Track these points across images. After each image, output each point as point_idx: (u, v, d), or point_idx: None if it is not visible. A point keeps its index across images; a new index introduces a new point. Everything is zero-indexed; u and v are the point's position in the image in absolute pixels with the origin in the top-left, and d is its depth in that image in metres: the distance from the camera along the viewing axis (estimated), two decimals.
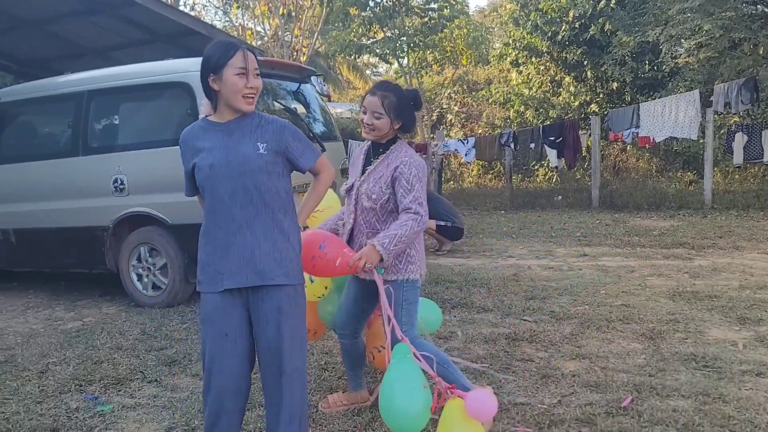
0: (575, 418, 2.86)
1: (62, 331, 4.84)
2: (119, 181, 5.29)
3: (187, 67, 5.24)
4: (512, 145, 11.86)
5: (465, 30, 16.37)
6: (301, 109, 6.08)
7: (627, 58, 12.91)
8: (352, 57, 17.42)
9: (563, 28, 13.74)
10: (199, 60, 5.41)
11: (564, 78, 15.27)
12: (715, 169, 11.95)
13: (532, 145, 11.64)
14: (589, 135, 11.65)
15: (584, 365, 3.54)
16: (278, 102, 5.88)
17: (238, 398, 2.30)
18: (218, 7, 22.33)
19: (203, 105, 2.40)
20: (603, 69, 13.66)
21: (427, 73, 18.33)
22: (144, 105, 5.60)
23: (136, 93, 5.52)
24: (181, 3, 19.92)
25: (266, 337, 2.24)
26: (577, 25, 13.60)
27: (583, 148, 12.19)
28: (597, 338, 4.01)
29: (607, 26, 12.64)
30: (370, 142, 2.84)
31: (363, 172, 2.81)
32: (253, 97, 2.26)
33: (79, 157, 5.52)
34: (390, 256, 2.55)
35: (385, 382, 2.42)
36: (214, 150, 2.25)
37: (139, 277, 5.45)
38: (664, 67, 12.74)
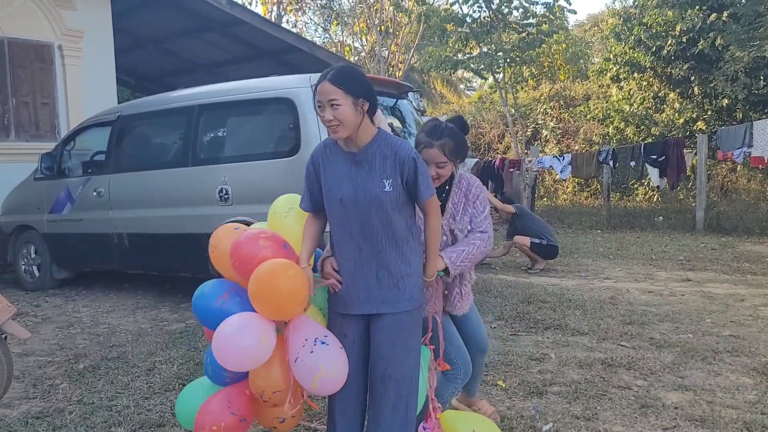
0: None
1: (167, 331, 5.13)
2: (224, 191, 5.55)
3: (290, 84, 5.45)
4: (611, 163, 11.46)
5: (564, 45, 16.04)
6: (397, 124, 6.16)
7: (740, 73, 12.18)
8: (447, 72, 17.46)
9: (669, 42, 13.16)
10: (301, 76, 5.62)
11: (668, 94, 14.60)
12: None
13: (633, 163, 11.21)
14: (695, 154, 11.06)
15: (688, 398, 3.35)
16: None
17: (351, 398, 2.34)
18: (318, 24, 23.10)
19: None
20: (712, 85, 12.95)
21: (522, 88, 18.07)
22: (249, 119, 5.86)
23: (242, 108, 5.79)
24: (284, 20, 20.77)
25: (377, 344, 2.29)
26: (684, 40, 12.98)
27: (688, 168, 11.59)
28: (702, 369, 3.79)
29: (718, 40, 11.99)
30: None
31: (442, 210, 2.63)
32: (334, 128, 2.21)
33: (188, 168, 5.85)
34: (455, 270, 2.52)
35: None
36: (342, 183, 2.28)
37: None
38: None
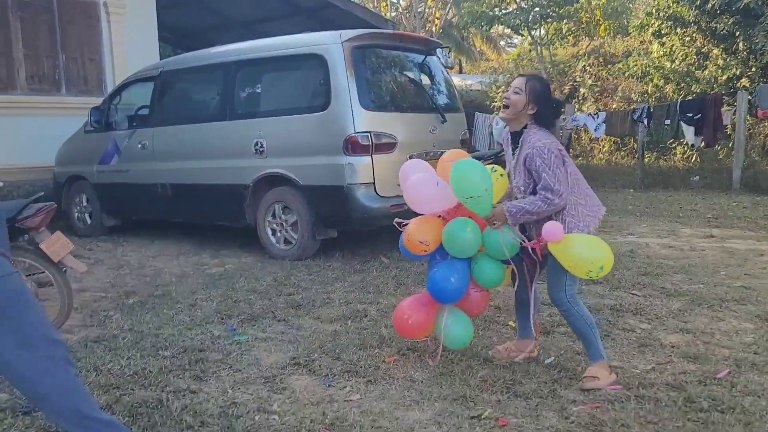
0: (666, 383, 2.96)
1: (208, 274, 5.53)
2: (259, 144, 5.86)
3: (321, 41, 5.68)
4: (645, 121, 11.36)
5: (604, 0, 15.67)
6: (425, 80, 6.34)
7: None
8: (484, 28, 17.30)
9: None
10: (332, 33, 5.81)
11: (712, 50, 14.22)
12: None
13: (668, 122, 11.09)
14: (734, 112, 10.88)
15: (686, 339, 3.57)
16: (404, 74, 6.18)
17: None
18: None
19: None
20: (757, 40, 12.58)
21: (561, 44, 17.75)
22: (282, 75, 6.12)
23: (275, 64, 6.05)
24: None
25: None
26: None
27: (729, 126, 11.41)
28: (706, 316, 3.99)
29: None
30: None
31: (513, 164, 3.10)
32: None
33: (226, 122, 6.17)
34: (514, 221, 2.98)
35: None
36: None
37: (273, 231, 6.03)
38: None
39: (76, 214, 7.61)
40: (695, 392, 2.84)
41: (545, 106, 2.99)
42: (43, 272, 3.86)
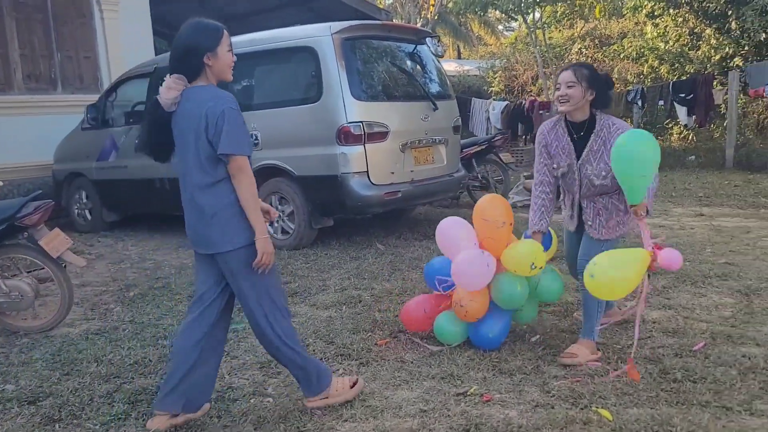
0: (644, 357, 3.08)
1: None
2: (254, 137, 5.96)
3: (312, 33, 5.77)
4: (639, 102, 11.43)
5: None
6: (416, 69, 6.42)
7: None
8: (478, 13, 17.29)
9: None
10: (322, 25, 5.88)
11: (704, 30, 14.23)
12: None
13: (661, 102, 11.16)
14: (725, 92, 10.94)
15: (668, 315, 3.69)
16: (394, 63, 6.26)
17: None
18: None
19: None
20: (748, 20, 12.60)
21: (557, 27, 17.73)
22: (275, 68, 6.21)
23: (267, 57, 6.13)
24: None
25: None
26: None
27: (721, 106, 11.46)
28: (689, 292, 4.10)
29: None
30: (562, 121, 3.12)
31: (579, 155, 3.07)
32: None
33: None
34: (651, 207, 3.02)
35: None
36: None
37: (271, 222, 6.12)
38: None
39: (77, 210, 7.72)
40: (670, 364, 2.96)
41: (602, 87, 3.02)
42: (43, 268, 3.98)
